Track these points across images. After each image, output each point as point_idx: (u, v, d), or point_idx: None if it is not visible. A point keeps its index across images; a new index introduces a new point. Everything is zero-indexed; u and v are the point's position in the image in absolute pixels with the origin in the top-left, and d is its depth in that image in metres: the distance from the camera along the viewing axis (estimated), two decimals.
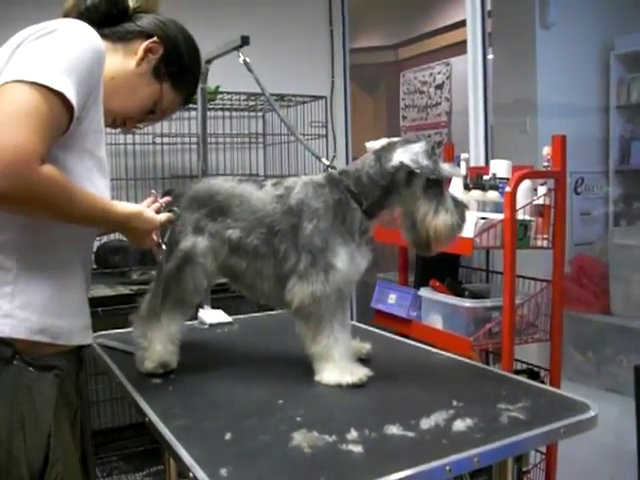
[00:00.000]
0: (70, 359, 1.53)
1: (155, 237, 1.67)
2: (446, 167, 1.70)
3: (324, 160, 1.96)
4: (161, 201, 1.78)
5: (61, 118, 1.33)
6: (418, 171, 1.66)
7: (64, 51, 1.34)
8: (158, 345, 1.83)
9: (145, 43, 1.60)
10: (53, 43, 1.35)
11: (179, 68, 1.67)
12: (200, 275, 1.85)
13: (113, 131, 3.62)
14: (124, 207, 1.55)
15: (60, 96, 1.30)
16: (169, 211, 1.75)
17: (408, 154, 1.68)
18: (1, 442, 1.34)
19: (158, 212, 1.71)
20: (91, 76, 1.39)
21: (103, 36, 1.54)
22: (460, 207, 1.71)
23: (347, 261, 1.72)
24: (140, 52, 1.60)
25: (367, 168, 1.74)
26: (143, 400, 1.62)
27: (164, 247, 1.74)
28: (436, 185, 1.68)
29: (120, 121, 1.68)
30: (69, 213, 1.38)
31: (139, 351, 1.86)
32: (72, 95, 1.32)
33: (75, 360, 1.58)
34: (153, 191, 1.82)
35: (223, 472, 1.21)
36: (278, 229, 1.77)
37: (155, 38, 1.61)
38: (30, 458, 1.36)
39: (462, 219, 1.70)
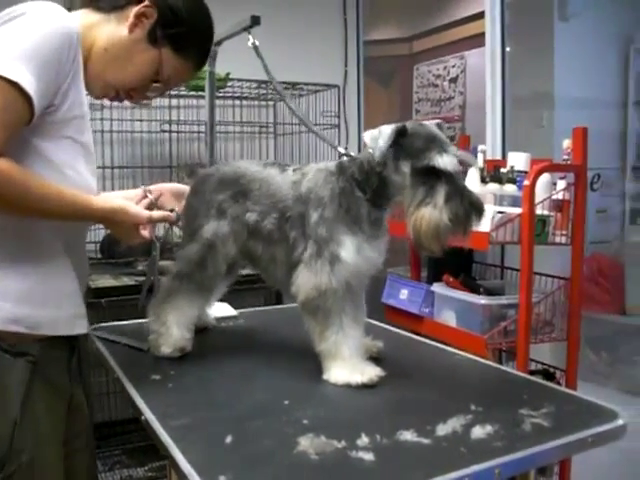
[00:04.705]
0: (51, 346, 1.47)
1: (146, 233, 1.62)
2: (438, 156, 1.50)
3: (340, 148, 1.88)
4: (151, 197, 1.74)
5: (19, 109, 1.27)
6: (370, 151, 1.57)
7: (25, 36, 1.28)
8: (175, 329, 1.83)
9: (136, 8, 1.52)
10: (15, 29, 1.29)
11: (179, 31, 1.57)
12: (220, 259, 1.83)
13: (120, 118, 3.54)
14: (105, 202, 1.49)
15: (16, 86, 1.24)
16: (170, 210, 1.75)
17: (374, 133, 1.57)
18: None
19: (150, 208, 1.69)
20: (60, 60, 1.32)
21: (97, 9, 1.51)
22: (454, 203, 1.47)
23: (353, 252, 1.63)
24: (131, 18, 1.52)
25: (367, 154, 1.64)
26: (139, 397, 1.56)
27: (157, 243, 1.73)
28: (430, 175, 1.51)
29: (124, 93, 1.61)
30: (29, 210, 1.33)
31: (153, 336, 1.84)
32: (28, 83, 1.26)
33: (63, 346, 1.53)
34: (143, 186, 1.80)
35: None
36: (289, 215, 1.72)
37: (147, 2, 1.53)
38: None
39: (455, 217, 1.47)
